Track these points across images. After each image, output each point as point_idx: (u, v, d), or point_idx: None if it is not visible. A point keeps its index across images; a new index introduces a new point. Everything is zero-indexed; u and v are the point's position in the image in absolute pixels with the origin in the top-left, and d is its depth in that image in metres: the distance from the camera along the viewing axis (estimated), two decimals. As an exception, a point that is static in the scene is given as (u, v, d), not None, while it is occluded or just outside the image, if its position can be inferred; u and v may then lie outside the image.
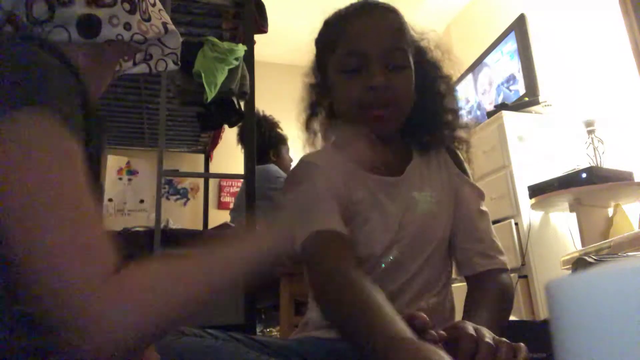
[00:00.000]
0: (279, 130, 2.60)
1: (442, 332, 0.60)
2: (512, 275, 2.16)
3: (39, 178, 0.44)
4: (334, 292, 0.65)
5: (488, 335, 0.60)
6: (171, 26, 0.72)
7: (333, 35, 0.89)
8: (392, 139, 0.93)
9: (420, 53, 0.93)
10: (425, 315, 0.59)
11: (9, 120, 0.45)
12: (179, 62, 0.78)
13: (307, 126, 0.99)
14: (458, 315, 0.85)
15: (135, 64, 0.76)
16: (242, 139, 2.33)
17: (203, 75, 1.82)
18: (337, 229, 0.73)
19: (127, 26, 0.64)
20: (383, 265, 0.84)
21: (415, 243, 0.86)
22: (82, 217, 0.45)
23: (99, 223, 0.47)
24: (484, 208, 0.93)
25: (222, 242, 0.54)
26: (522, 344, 0.59)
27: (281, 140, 2.60)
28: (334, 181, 0.79)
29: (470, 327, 0.61)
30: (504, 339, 0.60)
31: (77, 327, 0.41)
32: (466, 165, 0.97)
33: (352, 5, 0.91)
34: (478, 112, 3.09)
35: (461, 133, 0.96)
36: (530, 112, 2.48)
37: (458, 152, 0.97)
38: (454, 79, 0.97)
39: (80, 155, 0.49)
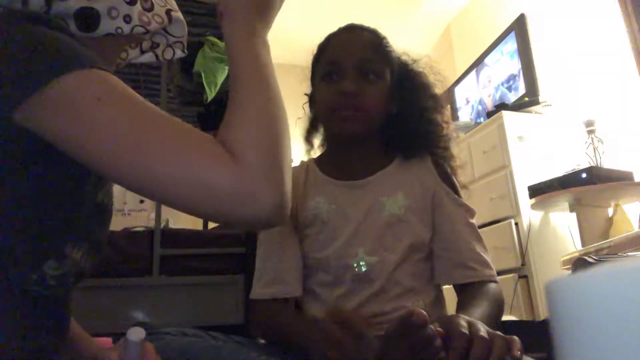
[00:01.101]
0: (279, 130, 2.60)
1: (439, 328, 0.60)
2: (512, 275, 2.16)
3: (128, 108, 0.47)
4: (269, 327, 0.89)
5: (482, 329, 0.59)
6: (176, 13, 0.68)
7: (320, 50, 1.01)
8: (370, 145, 0.99)
9: (409, 74, 1.01)
10: (423, 312, 0.59)
11: (62, 83, 0.46)
12: (185, 50, 0.75)
13: (307, 138, 1.09)
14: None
15: (142, 52, 0.74)
16: (242, 139, 2.33)
17: (203, 75, 1.82)
18: (275, 296, 0.90)
19: (127, 18, 0.61)
20: (354, 265, 0.89)
21: (381, 245, 0.90)
22: (179, 125, 0.48)
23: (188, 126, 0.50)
24: (471, 221, 0.95)
25: None
26: (515, 337, 0.59)
27: (281, 140, 2.60)
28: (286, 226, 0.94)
29: (463, 321, 0.61)
30: (497, 332, 0.60)
31: (243, 196, 0.45)
32: (454, 179, 1.00)
33: (340, 27, 1.02)
34: (480, 108, 3.10)
35: (443, 144, 1.01)
36: (530, 112, 2.48)
37: (446, 166, 1.01)
38: (442, 93, 1.05)
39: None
